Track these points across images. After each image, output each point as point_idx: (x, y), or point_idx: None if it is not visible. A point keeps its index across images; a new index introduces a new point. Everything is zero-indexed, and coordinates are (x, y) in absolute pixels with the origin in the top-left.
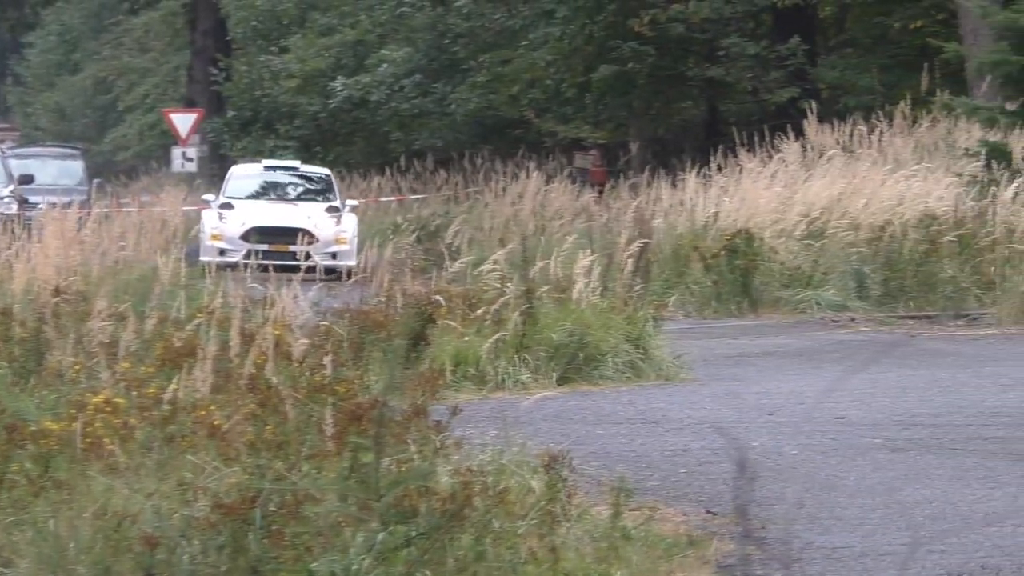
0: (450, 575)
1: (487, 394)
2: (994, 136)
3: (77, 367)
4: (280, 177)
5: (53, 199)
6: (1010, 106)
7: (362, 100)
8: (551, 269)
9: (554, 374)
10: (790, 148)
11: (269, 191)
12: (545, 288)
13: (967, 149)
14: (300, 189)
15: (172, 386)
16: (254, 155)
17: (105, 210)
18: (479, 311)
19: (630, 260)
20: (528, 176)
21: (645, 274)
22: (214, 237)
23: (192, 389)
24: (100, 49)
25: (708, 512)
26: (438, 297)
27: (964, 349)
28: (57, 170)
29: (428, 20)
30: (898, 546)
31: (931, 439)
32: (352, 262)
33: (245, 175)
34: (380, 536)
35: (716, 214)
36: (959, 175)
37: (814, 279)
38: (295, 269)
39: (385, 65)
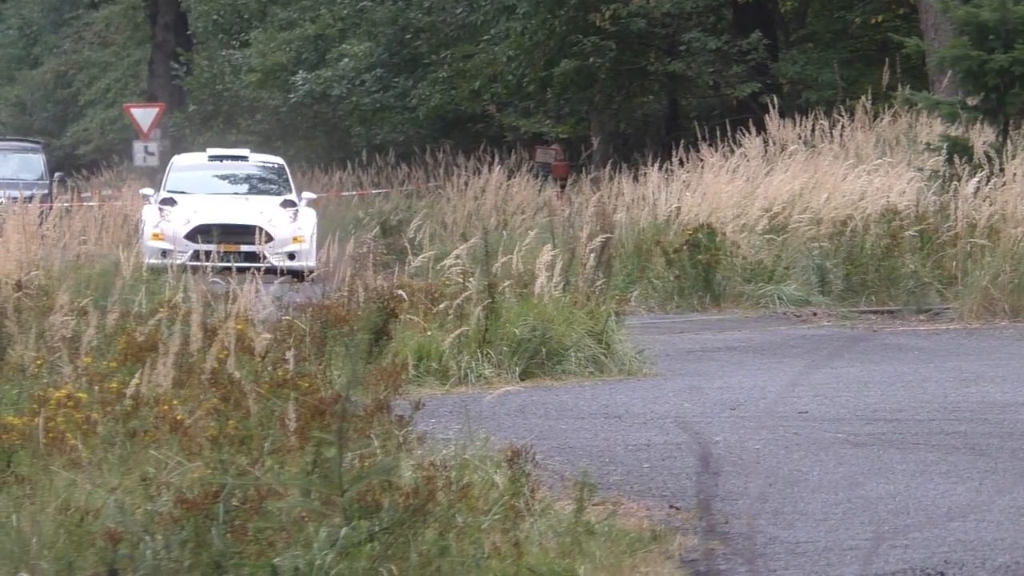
0: (413, 570)
1: (450, 389)
2: (955, 131)
3: (39, 362)
4: (228, 168)
5: (14, 193)
6: (971, 101)
7: (323, 94)
8: (513, 264)
9: (517, 369)
10: (751, 143)
11: (216, 184)
12: (507, 283)
13: (928, 144)
14: (251, 181)
15: (134, 381)
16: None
17: (66, 204)
18: (441, 306)
19: (592, 255)
20: (490, 171)
21: (607, 269)
22: (155, 237)
23: (154, 384)
24: (60, 43)
25: (671, 507)
26: (400, 292)
27: (926, 344)
28: (17, 164)
29: (389, 14)
30: (861, 541)
31: (893, 434)
32: (311, 262)
33: (188, 166)
34: (343, 531)
35: (678, 209)
36: (920, 170)
37: (776, 274)
38: (247, 271)
39: (346, 60)
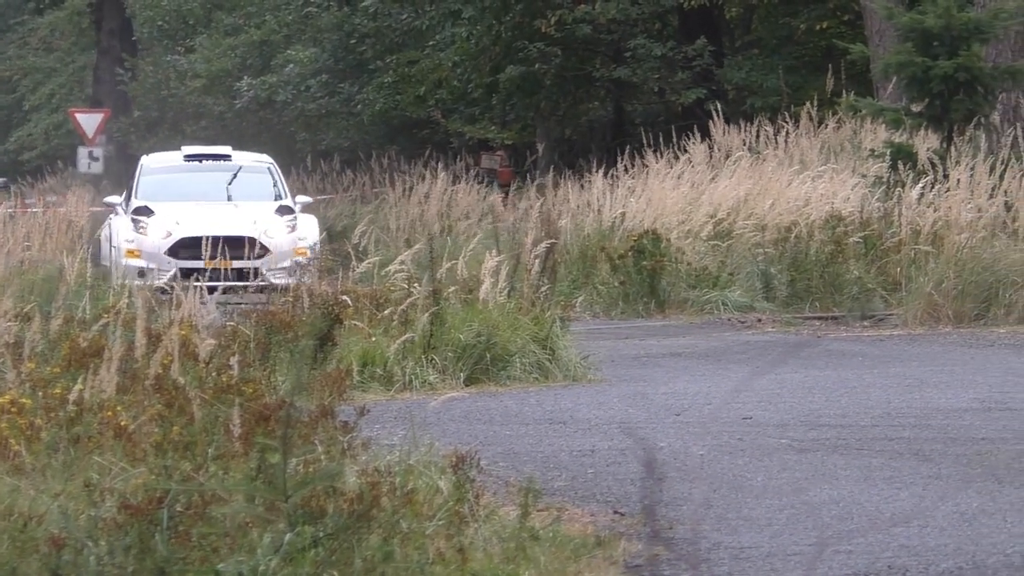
0: (358, 575)
1: (394, 395)
2: (899, 137)
3: None
4: (208, 169)
5: None
6: (915, 107)
7: (268, 100)
8: (458, 270)
9: (461, 375)
10: (696, 149)
11: (196, 188)
12: (452, 289)
13: (873, 150)
14: (237, 184)
15: (78, 386)
16: None
17: (10, 210)
18: (386, 312)
19: (537, 261)
20: (435, 177)
21: (552, 275)
22: (130, 254)
23: (98, 389)
24: (5, 48)
25: (616, 512)
26: (345, 297)
27: (870, 350)
28: None
29: (335, 20)
30: (805, 546)
31: (838, 439)
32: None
33: (160, 168)
34: (287, 537)
35: (623, 215)
36: (865, 176)
37: (721, 280)
38: (241, 290)
39: (291, 65)
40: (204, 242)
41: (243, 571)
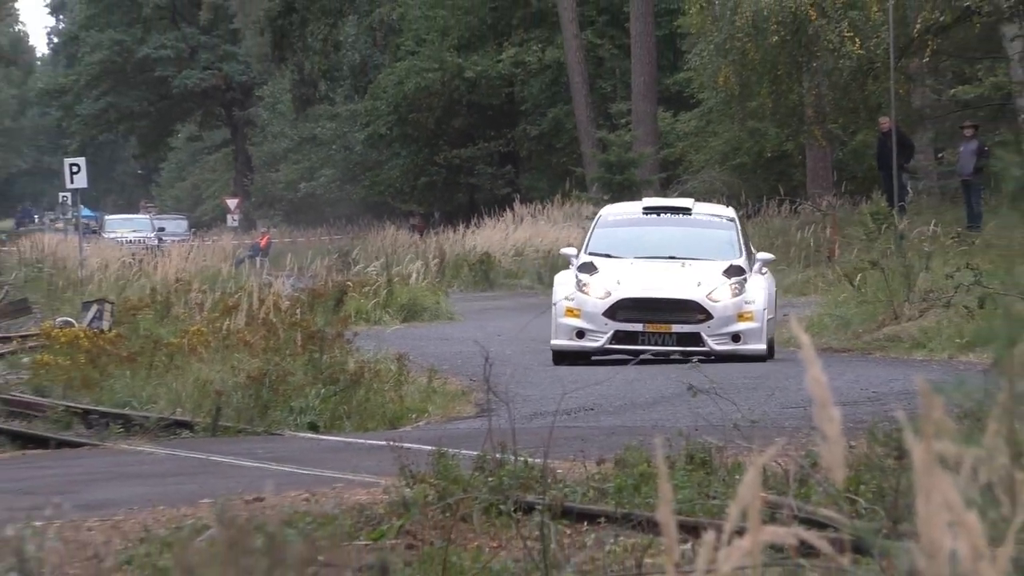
0: (353, 411)
1: (370, 327)
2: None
3: (187, 314)
4: (665, 223)
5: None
6: (605, 197)
7: None
8: (403, 270)
9: (400, 317)
10: (508, 215)
11: (649, 244)
12: (397, 279)
13: (587, 216)
14: (692, 241)
15: (226, 323)
16: None
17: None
18: (365, 289)
19: (435, 265)
20: (388, 226)
21: (442, 272)
22: (569, 313)
23: (236, 323)
24: (190, 170)
25: (471, 380)
26: (348, 283)
27: None
28: (174, 224)
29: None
30: (556, 394)
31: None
32: (761, 345)
33: (617, 221)
34: (322, 391)
35: (475, 245)
36: (583, 228)
37: (518, 274)
38: (685, 355)
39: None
40: (642, 304)
41: (303, 406)
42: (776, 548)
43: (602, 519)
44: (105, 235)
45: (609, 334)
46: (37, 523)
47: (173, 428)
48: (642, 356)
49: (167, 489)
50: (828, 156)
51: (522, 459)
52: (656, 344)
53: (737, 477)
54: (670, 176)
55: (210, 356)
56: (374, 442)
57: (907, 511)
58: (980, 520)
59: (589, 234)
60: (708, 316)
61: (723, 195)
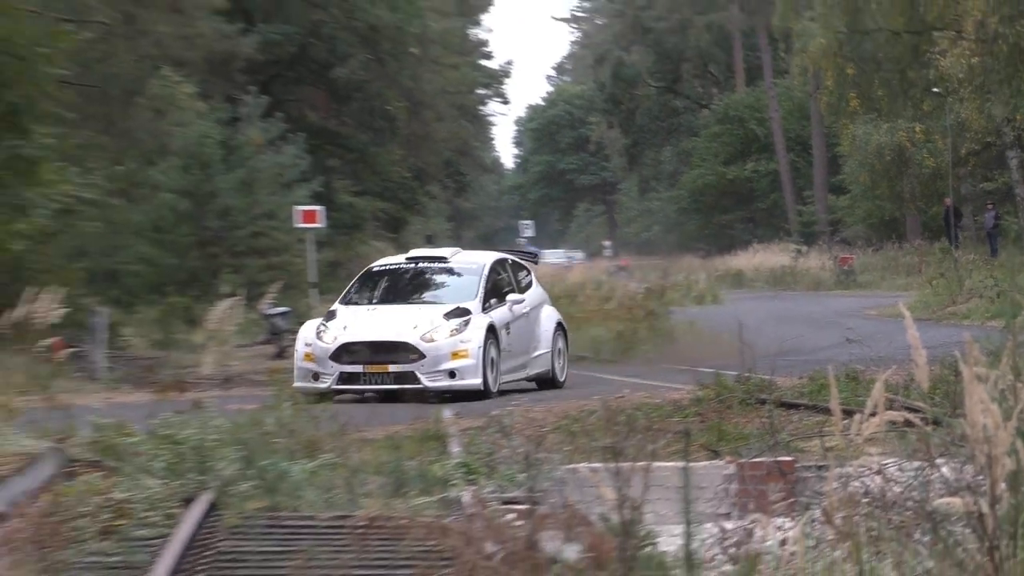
0: (669, 351)
1: (683, 308)
2: None
3: (585, 301)
4: (421, 272)
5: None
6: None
7: None
8: (695, 277)
9: (694, 303)
10: (753, 248)
11: (394, 291)
12: (692, 281)
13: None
14: (430, 287)
15: (605, 305)
16: None
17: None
18: (678, 288)
19: (711, 275)
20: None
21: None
22: (307, 357)
23: (610, 306)
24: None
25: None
26: (665, 285)
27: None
28: (576, 253)
29: None
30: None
31: None
32: (476, 380)
33: (379, 271)
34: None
35: (732, 264)
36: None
37: (756, 281)
38: (395, 393)
39: None
40: (362, 347)
41: (646, 349)
42: (892, 423)
43: (801, 407)
44: (542, 261)
45: (335, 375)
46: (508, 408)
47: (578, 360)
48: (366, 394)
49: (572, 392)
50: (917, 219)
51: (759, 376)
52: (376, 383)
53: (871, 386)
54: (834, 230)
55: (598, 322)
56: (683, 367)
57: (960, 403)
58: (999, 408)
59: (349, 284)
60: (421, 356)
61: (863, 240)
